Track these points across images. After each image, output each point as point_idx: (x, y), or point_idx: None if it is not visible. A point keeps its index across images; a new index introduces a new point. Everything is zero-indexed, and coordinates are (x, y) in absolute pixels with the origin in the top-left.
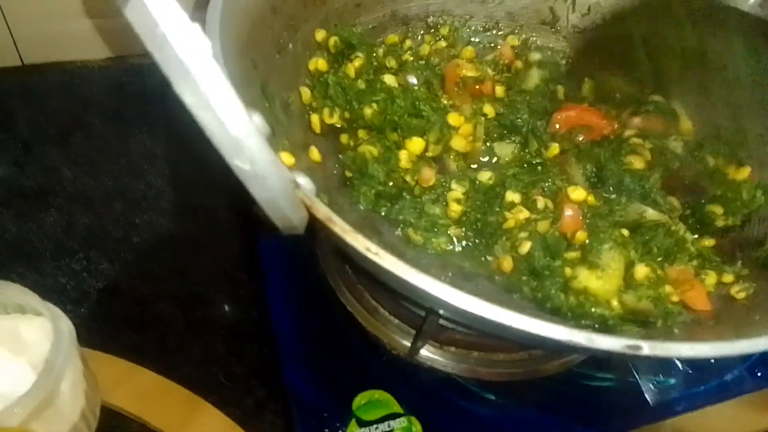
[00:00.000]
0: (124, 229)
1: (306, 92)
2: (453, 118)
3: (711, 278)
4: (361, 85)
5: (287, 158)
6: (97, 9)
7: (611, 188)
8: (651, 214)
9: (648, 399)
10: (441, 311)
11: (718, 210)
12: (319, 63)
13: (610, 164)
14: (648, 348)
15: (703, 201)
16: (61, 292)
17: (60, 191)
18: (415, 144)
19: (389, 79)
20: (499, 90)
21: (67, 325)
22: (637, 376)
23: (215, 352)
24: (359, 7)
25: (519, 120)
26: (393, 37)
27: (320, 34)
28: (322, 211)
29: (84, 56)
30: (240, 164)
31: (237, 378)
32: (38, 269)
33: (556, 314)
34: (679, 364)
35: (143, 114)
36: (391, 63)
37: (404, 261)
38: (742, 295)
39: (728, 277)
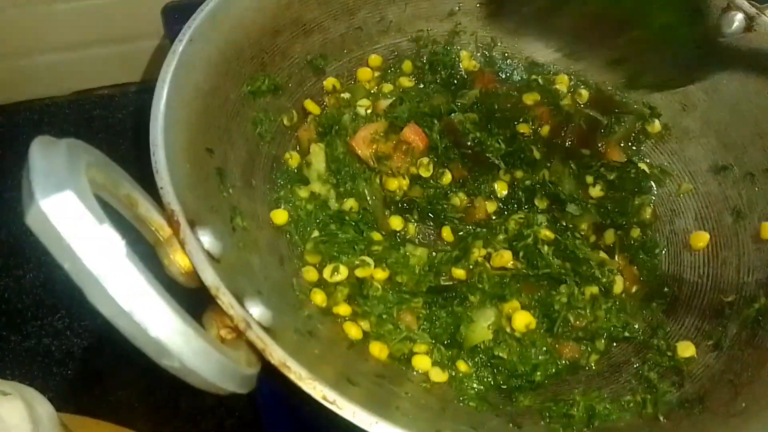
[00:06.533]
0: None
1: None
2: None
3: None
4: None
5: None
6: (62, 42)
7: None
8: None
9: None
10: None
11: None
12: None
13: None
14: None
15: None
16: (45, 354)
17: (35, 243)
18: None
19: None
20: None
21: (45, 409)
22: None
23: (203, 404)
24: None
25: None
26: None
27: None
28: (277, 357)
29: (51, 93)
30: (168, 363)
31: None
32: (21, 330)
33: None
34: None
35: (114, 147)
36: None
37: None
38: None
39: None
